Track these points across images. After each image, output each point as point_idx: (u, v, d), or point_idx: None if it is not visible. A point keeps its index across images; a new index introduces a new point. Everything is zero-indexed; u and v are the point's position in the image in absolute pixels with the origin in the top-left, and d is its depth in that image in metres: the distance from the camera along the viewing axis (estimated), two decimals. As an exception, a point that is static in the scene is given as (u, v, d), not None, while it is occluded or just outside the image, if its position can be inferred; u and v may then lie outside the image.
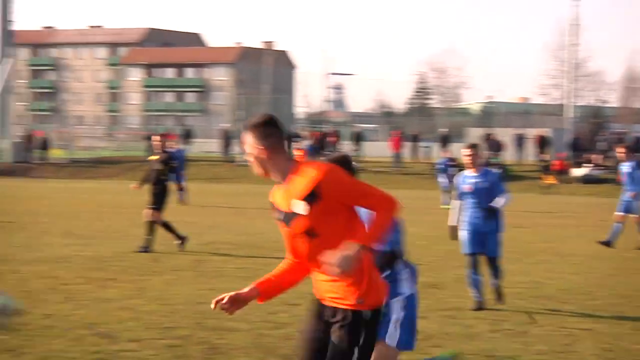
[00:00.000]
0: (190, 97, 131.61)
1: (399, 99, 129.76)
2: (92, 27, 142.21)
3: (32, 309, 10.57)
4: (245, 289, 5.50)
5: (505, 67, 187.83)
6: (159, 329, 9.79)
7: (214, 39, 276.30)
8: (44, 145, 55.84)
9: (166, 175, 17.11)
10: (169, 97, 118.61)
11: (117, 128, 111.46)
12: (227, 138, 56.69)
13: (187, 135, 58.96)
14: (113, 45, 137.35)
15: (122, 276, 13.44)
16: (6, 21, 60.23)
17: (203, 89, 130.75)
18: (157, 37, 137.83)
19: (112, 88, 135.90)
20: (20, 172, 51.40)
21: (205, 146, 62.00)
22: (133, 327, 9.88)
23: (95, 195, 34.22)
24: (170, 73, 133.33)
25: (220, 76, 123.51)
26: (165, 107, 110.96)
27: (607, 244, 18.43)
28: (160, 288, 12.47)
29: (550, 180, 45.52)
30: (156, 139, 17.73)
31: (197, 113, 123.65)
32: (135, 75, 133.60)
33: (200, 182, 42.50)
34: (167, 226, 16.82)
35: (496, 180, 11.83)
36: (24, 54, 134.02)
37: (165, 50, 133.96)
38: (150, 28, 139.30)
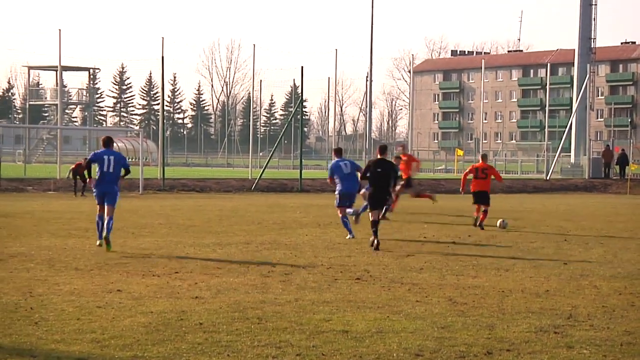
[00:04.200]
0: None
1: None
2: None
3: (612, 325, 10.46)
4: None
5: None
6: None
7: None
8: (623, 161, 55.45)
9: None
10: None
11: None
12: None
13: None
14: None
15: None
16: (587, 38, 61.03)
17: None
18: None
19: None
20: (597, 188, 51.60)
21: None
22: None
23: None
24: None
25: None
26: None
27: None
28: None
29: None
30: None
31: None
32: None
33: None
34: None
35: None
36: (603, 69, 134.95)
37: None
38: None
